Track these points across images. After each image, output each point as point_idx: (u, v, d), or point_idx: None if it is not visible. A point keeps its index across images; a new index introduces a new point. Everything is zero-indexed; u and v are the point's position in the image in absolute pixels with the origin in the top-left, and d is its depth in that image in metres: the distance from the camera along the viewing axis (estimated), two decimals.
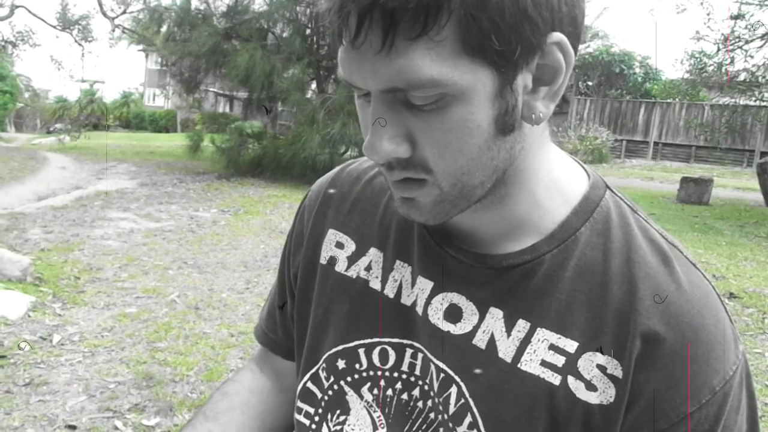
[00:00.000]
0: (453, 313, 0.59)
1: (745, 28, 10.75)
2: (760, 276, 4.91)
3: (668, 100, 17.83)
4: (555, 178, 0.57)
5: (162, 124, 27.24)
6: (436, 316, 0.59)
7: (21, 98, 27.17)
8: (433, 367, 0.59)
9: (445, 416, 0.58)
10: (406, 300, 0.62)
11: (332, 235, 0.70)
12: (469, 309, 0.58)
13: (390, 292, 0.63)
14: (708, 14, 11.15)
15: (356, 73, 0.46)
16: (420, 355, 0.60)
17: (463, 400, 0.57)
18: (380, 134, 0.48)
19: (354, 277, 0.66)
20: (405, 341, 0.62)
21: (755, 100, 11.69)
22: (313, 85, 10.71)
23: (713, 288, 0.55)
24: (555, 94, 0.49)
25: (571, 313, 0.54)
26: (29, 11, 20.21)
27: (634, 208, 0.59)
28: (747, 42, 10.86)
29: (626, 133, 17.96)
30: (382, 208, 0.67)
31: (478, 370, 0.56)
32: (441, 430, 0.58)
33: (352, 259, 0.67)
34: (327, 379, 0.66)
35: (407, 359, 0.61)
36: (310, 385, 0.68)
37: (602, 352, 0.52)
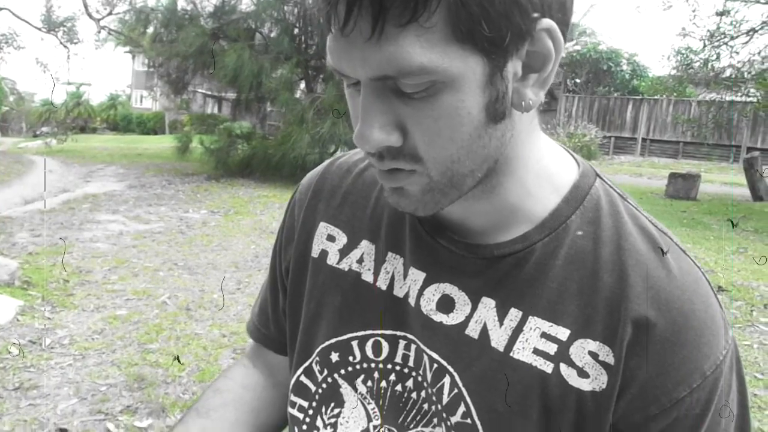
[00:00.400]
0: (445, 304, 0.59)
1: (731, 24, 10.85)
2: (748, 269, 4.96)
3: (655, 97, 17.94)
4: (545, 167, 0.57)
5: (150, 126, 27.03)
6: (429, 306, 0.59)
7: (6, 102, 26.87)
8: (426, 357, 0.59)
9: (439, 406, 0.58)
10: (399, 291, 0.62)
11: (323, 229, 0.69)
12: (461, 299, 0.58)
13: (382, 284, 0.63)
14: (694, 11, 11.27)
15: (345, 61, 0.46)
16: (413, 346, 0.60)
17: (456, 390, 0.57)
18: (371, 123, 0.47)
19: (346, 269, 0.66)
20: (398, 333, 0.61)
21: (741, 96, 11.79)
22: (302, 85, 10.68)
23: (703, 274, 0.55)
24: (544, 82, 0.49)
25: (563, 301, 0.54)
26: (13, 13, 19.91)
27: (624, 196, 0.59)
28: (732, 38, 10.96)
29: (614, 130, 18.06)
30: (373, 201, 0.67)
31: (471, 361, 0.56)
32: (435, 420, 0.59)
33: (344, 252, 0.67)
34: (321, 373, 0.66)
35: (400, 351, 0.61)
36: (303, 378, 0.68)
37: (594, 339, 0.52)
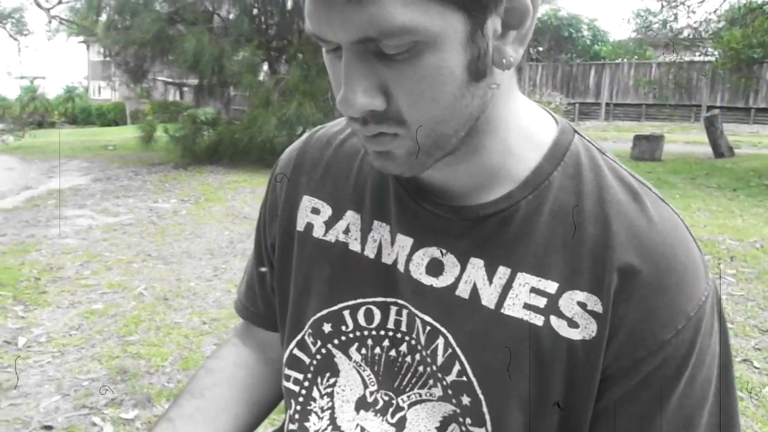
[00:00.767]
0: (434, 267, 0.59)
1: None
2: (713, 224, 5.10)
3: (617, 61, 18.15)
4: (525, 126, 0.58)
5: (111, 117, 26.29)
6: (418, 271, 0.60)
7: None
8: (418, 321, 0.60)
9: (434, 367, 0.59)
10: (387, 259, 0.62)
11: (307, 202, 0.69)
12: (450, 261, 0.59)
13: (370, 252, 0.64)
14: None
15: (326, 25, 0.46)
16: (405, 312, 0.61)
17: (450, 350, 0.58)
18: (354, 88, 0.47)
19: (333, 241, 0.66)
20: (389, 299, 0.62)
21: (699, 56, 12.00)
22: (265, 67, 10.49)
23: (682, 220, 0.57)
24: (523, 38, 0.49)
25: (549, 255, 0.55)
26: None
27: (602, 150, 0.60)
28: None
29: (578, 96, 18.23)
30: (355, 171, 0.67)
31: (463, 320, 0.58)
32: (431, 381, 0.60)
33: (330, 224, 0.67)
34: (314, 344, 0.66)
35: (392, 317, 0.62)
36: (296, 351, 0.68)
37: (582, 290, 0.54)
